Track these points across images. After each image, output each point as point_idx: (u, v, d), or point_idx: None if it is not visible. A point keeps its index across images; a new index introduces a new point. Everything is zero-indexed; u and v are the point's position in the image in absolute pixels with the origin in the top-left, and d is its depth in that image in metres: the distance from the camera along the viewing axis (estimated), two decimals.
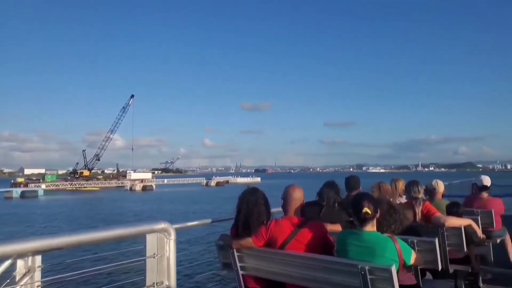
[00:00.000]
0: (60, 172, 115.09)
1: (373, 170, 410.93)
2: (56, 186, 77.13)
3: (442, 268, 3.09)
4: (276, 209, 3.08)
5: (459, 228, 3.70)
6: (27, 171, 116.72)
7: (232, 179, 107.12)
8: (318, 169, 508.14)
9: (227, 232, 2.99)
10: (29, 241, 1.75)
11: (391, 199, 3.73)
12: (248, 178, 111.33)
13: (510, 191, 10.73)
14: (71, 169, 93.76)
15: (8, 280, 1.75)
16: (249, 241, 2.69)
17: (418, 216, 4.02)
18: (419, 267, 2.92)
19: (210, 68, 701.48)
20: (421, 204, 4.10)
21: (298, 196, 2.84)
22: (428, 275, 3.65)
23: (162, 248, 2.45)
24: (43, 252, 1.80)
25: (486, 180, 5.43)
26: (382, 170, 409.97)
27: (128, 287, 2.79)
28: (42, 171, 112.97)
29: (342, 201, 3.63)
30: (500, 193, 8.66)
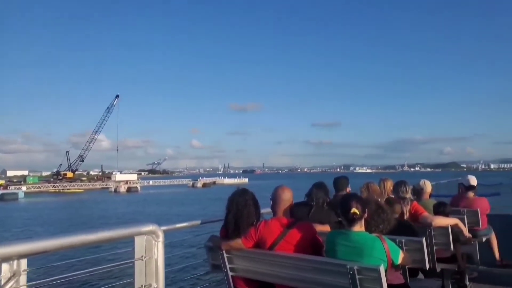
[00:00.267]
0: (44, 174, 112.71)
1: (360, 170, 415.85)
2: (37, 188, 75.72)
3: (429, 267, 3.16)
4: (265, 210, 3.11)
5: (446, 228, 3.79)
6: (10, 173, 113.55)
7: (219, 180, 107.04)
8: (305, 170, 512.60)
9: (217, 234, 3.00)
10: (14, 245, 1.73)
11: (379, 199, 3.79)
12: (235, 179, 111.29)
13: (495, 190, 11.00)
14: (55, 170, 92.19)
15: None
16: (238, 242, 2.71)
17: (406, 215, 4.10)
18: (407, 267, 2.98)
19: (197, 68, 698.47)
20: (409, 204, 4.19)
21: (287, 197, 2.87)
22: (421, 275, 3.72)
23: (150, 251, 2.44)
24: (29, 255, 1.79)
25: (473, 180, 5.56)
26: (368, 170, 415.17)
27: None
28: (26, 172, 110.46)
29: (331, 202, 3.68)
30: (485, 192, 8.87)
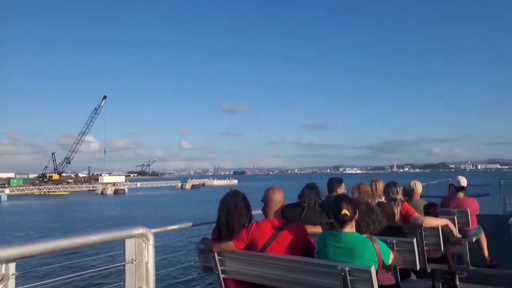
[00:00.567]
0: (31, 176, 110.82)
1: (350, 171, 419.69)
2: (21, 191, 74.50)
3: (420, 268, 3.21)
4: (256, 212, 3.13)
5: (436, 228, 3.85)
6: None
7: (208, 182, 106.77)
8: (296, 171, 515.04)
9: (208, 236, 3.01)
10: (2, 248, 1.72)
11: (370, 200, 3.84)
12: (225, 181, 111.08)
13: (485, 191, 11.19)
14: (41, 173, 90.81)
15: None
16: (230, 244, 2.73)
17: (397, 216, 4.16)
18: (398, 267, 3.02)
19: (187, 69, 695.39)
20: (400, 205, 4.25)
21: (279, 199, 2.89)
22: (412, 276, 3.78)
23: (141, 254, 2.43)
24: (18, 259, 1.77)
25: (463, 181, 5.67)
26: (358, 171, 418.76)
27: None
28: (12, 175, 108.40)
29: (323, 203, 3.71)
30: (475, 193, 9.03)
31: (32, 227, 30.18)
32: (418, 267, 3.06)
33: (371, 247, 2.40)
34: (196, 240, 3.06)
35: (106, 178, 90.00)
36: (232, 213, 2.87)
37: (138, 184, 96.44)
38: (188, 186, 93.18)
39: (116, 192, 78.48)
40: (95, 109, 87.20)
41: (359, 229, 2.66)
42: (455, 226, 4.43)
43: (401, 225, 4.02)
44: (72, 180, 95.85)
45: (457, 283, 4.57)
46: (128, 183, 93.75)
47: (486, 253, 5.55)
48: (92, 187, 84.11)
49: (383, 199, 4.53)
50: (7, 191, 70.10)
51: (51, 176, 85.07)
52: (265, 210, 2.90)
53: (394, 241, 3.00)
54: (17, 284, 1.79)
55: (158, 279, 2.46)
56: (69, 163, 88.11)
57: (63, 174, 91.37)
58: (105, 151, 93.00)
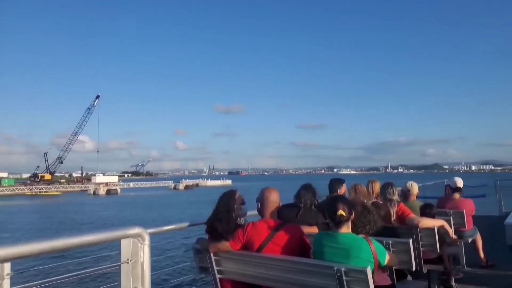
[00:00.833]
0: (24, 176, 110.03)
1: (344, 172, 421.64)
2: (12, 190, 73.92)
3: (416, 268, 3.24)
4: (251, 212, 3.15)
5: (432, 229, 3.88)
6: None
7: (202, 182, 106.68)
8: (291, 171, 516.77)
9: (204, 236, 3.03)
10: None
11: (367, 201, 3.87)
12: (219, 181, 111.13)
13: (481, 192, 11.29)
14: (33, 173, 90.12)
15: None
16: (226, 244, 2.75)
17: (393, 217, 4.20)
18: (395, 268, 3.05)
19: (181, 69, 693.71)
20: (396, 205, 4.29)
21: (275, 199, 2.91)
22: (409, 277, 3.81)
23: (136, 254, 2.44)
24: (13, 259, 1.78)
25: (459, 182, 5.73)
26: (353, 172, 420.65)
27: None
28: (5, 175, 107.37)
29: (320, 203, 3.74)
30: (471, 194, 9.11)
31: (20, 228, 29.77)
32: (414, 268, 3.09)
33: (367, 247, 2.43)
34: (192, 241, 3.07)
35: (98, 178, 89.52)
36: (227, 212, 2.90)
37: (131, 184, 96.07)
38: (181, 186, 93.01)
39: (108, 192, 78.29)
40: (88, 108, 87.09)
41: (355, 230, 2.68)
42: (451, 227, 4.47)
43: (397, 225, 4.05)
44: (64, 180, 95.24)
45: (453, 284, 4.61)
46: (121, 183, 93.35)
47: (481, 254, 5.61)
48: (85, 187, 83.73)
49: (379, 199, 4.57)
50: None
51: (43, 176, 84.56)
52: (261, 211, 2.92)
53: (390, 242, 3.02)
54: (12, 284, 1.80)
55: (153, 280, 2.48)
56: (62, 163, 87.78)
57: (57, 174, 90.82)
58: (98, 151, 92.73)
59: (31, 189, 76.34)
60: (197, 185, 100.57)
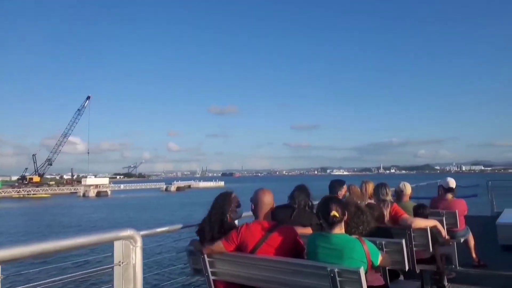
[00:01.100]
0: (14, 178, 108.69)
1: (337, 173, 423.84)
2: None
3: (409, 268, 3.28)
4: (245, 214, 3.16)
5: (425, 229, 3.92)
6: None
7: (194, 184, 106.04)
8: (284, 172, 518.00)
9: (197, 238, 3.03)
10: None
11: (360, 201, 3.91)
12: (211, 183, 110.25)
13: (473, 192, 11.44)
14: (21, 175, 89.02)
15: None
16: (220, 245, 2.76)
17: (387, 217, 4.24)
18: (388, 268, 3.09)
19: (175, 70, 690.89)
20: (389, 206, 4.34)
21: (269, 200, 2.93)
22: (402, 277, 3.85)
23: (128, 256, 2.44)
24: (3, 262, 1.77)
25: (452, 182, 5.81)
26: (345, 173, 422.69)
27: None
28: None
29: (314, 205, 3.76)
30: (463, 194, 9.22)
31: (4, 231, 29.03)
32: (407, 268, 3.12)
33: (360, 248, 2.45)
34: (184, 243, 3.07)
35: (89, 180, 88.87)
36: (222, 214, 2.91)
37: (122, 186, 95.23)
38: (173, 188, 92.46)
39: (98, 194, 77.74)
40: (78, 109, 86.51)
41: (348, 230, 2.71)
42: (444, 227, 4.53)
43: (390, 226, 4.10)
44: (53, 182, 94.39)
45: (446, 283, 4.67)
46: (112, 185, 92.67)
47: (474, 253, 5.68)
48: (74, 190, 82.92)
49: (373, 200, 4.61)
50: None
51: (31, 178, 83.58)
52: (255, 212, 2.94)
53: (383, 242, 3.05)
54: (2, 287, 1.79)
55: (146, 282, 2.48)
56: (51, 164, 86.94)
57: (47, 176, 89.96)
58: (88, 153, 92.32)
59: (18, 192, 75.39)
60: (189, 186, 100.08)
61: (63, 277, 2.18)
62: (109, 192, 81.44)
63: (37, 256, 1.89)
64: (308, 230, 3.30)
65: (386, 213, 4.26)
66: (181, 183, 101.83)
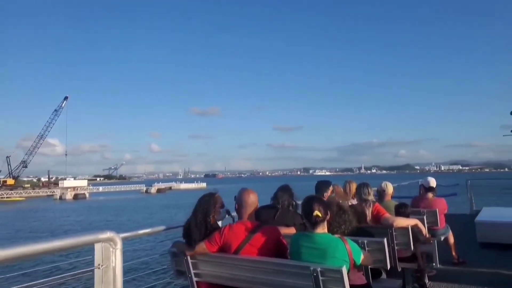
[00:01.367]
0: None
1: (319, 173, 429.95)
2: None
3: (391, 267, 3.35)
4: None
5: (406, 228, 4.00)
6: None
7: (175, 185, 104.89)
8: (267, 173, 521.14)
9: (179, 239, 3.02)
10: None
11: (343, 201, 3.96)
12: (193, 184, 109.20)
13: (452, 191, 11.73)
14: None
15: None
16: (202, 247, 2.76)
17: (369, 217, 4.31)
18: (370, 267, 3.14)
19: (156, 71, 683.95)
20: (371, 205, 4.41)
21: (252, 201, 2.94)
22: (384, 275, 3.93)
23: (108, 259, 2.41)
24: None
25: (433, 182, 5.95)
26: (327, 173, 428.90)
27: None
28: None
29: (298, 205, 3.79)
30: (443, 193, 9.46)
31: None
32: (388, 267, 3.17)
33: (343, 247, 2.48)
34: (166, 244, 3.05)
35: (66, 183, 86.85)
36: (204, 215, 2.90)
37: (100, 188, 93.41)
38: (153, 190, 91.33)
39: (75, 197, 76.23)
40: (55, 110, 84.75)
41: (330, 230, 2.75)
42: (425, 226, 4.63)
43: (372, 225, 4.17)
44: (29, 185, 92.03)
45: (426, 281, 4.79)
46: (90, 187, 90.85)
47: (453, 251, 5.83)
48: (51, 192, 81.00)
49: (355, 200, 4.68)
50: None
51: (5, 181, 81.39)
52: (239, 212, 2.94)
53: (365, 241, 3.10)
54: None
55: (128, 285, 2.45)
56: (26, 167, 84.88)
57: (24, 179, 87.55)
58: (66, 154, 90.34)
59: None
60: (170, 188, 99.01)
61: (41, 280, 2.14)
62: (87, 195, 79.96)
63: (12, 260, 1.85)
64: (292, 230, 3.33)
65: (368, 212, 4.33)
66: (162, 185, 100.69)
